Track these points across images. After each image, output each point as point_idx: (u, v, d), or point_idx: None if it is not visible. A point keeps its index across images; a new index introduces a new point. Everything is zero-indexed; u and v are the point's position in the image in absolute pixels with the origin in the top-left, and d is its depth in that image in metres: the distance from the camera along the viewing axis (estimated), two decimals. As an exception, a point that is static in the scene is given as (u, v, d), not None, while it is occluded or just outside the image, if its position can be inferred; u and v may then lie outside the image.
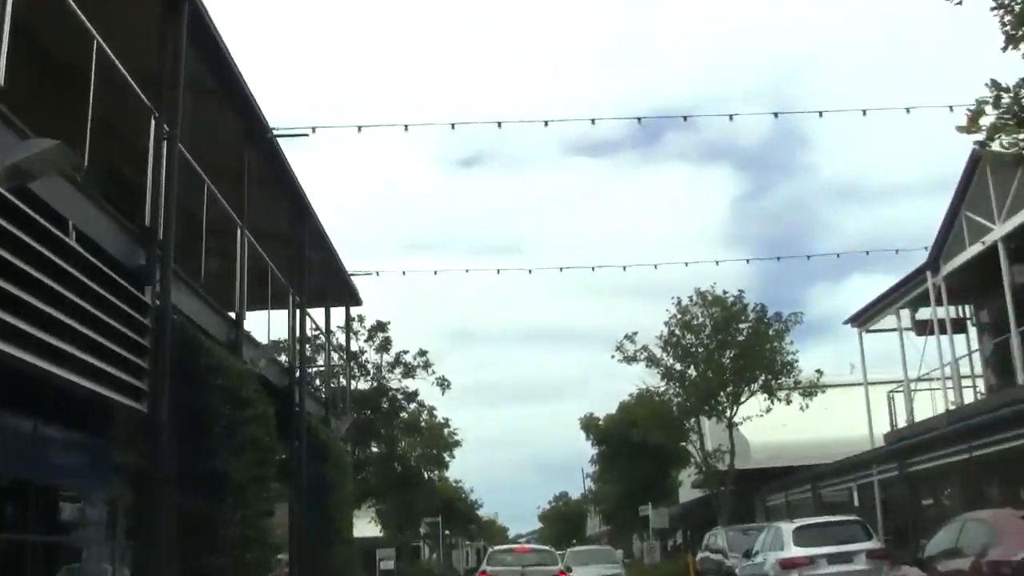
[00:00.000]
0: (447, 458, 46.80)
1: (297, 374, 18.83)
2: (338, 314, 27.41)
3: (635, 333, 40.37)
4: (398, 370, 32.03)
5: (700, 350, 38.94)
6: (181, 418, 10.99)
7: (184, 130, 12.40)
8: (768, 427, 39.90)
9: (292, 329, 19.04)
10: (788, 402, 39.35)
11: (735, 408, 39.30)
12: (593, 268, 28.58)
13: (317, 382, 25.88)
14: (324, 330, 23.11)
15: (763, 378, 38.56)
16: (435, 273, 27.47)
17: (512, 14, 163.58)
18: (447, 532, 72.62)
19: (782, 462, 41.05)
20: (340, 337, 29.15)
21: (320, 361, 25.76)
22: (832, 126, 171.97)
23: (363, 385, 31.69)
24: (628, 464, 53.51)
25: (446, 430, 46.19)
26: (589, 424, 56.21)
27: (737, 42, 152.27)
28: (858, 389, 44.54)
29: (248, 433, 12.43)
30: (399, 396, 32.35)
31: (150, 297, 11.12)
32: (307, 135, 16.97)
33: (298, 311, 19.29)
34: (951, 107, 16.61)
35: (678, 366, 39.67)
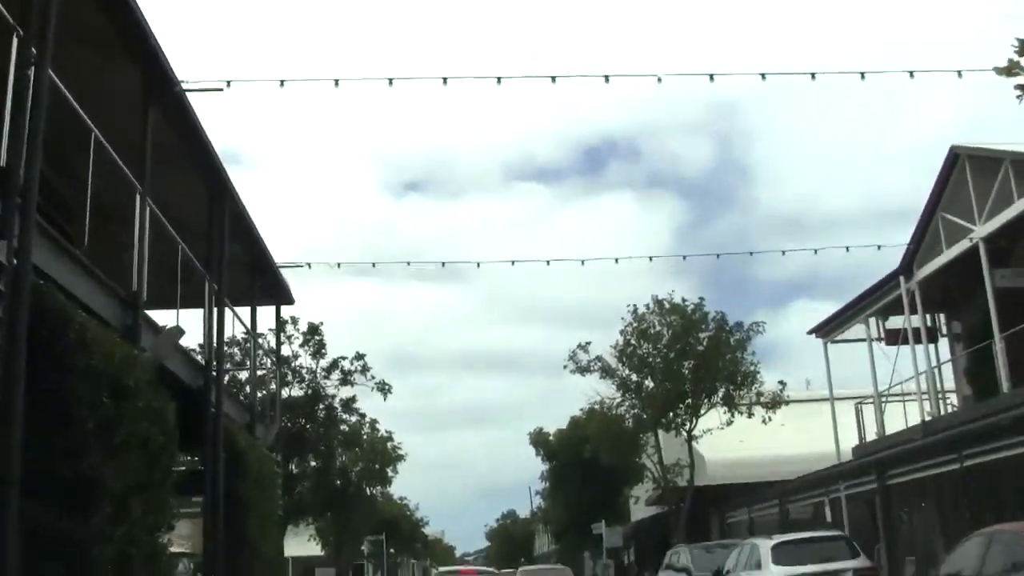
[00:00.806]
0: (390, 473, 44.44)
1: (213, 372, 16.51)
2: (267, 316, 25.15)
3: (588, 343, 38.40)
4: (334, 376, 29.69)
5: (657, 360, 36.94)
6: (38, 408, 8.69)
7: (68, 73, 10.27)
8: (724, 444, 38.01)
9: (208, 321, 16.67)
10: (750, 415, 37.44)
11: (694, 421, 37.33)
12: (548, 262, 26.09)
13: (247, 389, 23.57)
14: (250, 330, 20.75)
15: (724, 389, 36.62)
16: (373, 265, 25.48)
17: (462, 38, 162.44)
18: (392, 550, 70.05)
19: (740, 479, 39.07)
20: (272, 341, 26.88)
21: (248, 366, 23.47)
22: (772, 159, 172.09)
23: (297, 392, 29.28)
24: (578, 481, 51.60)
25: (389, 443, 43.91)
26: (539, 440, 54.20)
27: (676, 77, 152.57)
28: (817, 406, 43.15)
29: (133, 431, 10.13)
30: (336, 404, 29.93)
31: (4, 254, 8.85)
32: (221, 89, 14.52)
33: (215, 303, 16.94)
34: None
35: (634, 377, 37.64)
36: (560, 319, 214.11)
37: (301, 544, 57.30)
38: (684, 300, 36.95)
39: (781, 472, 35.30)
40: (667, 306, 36.90)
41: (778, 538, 20.84)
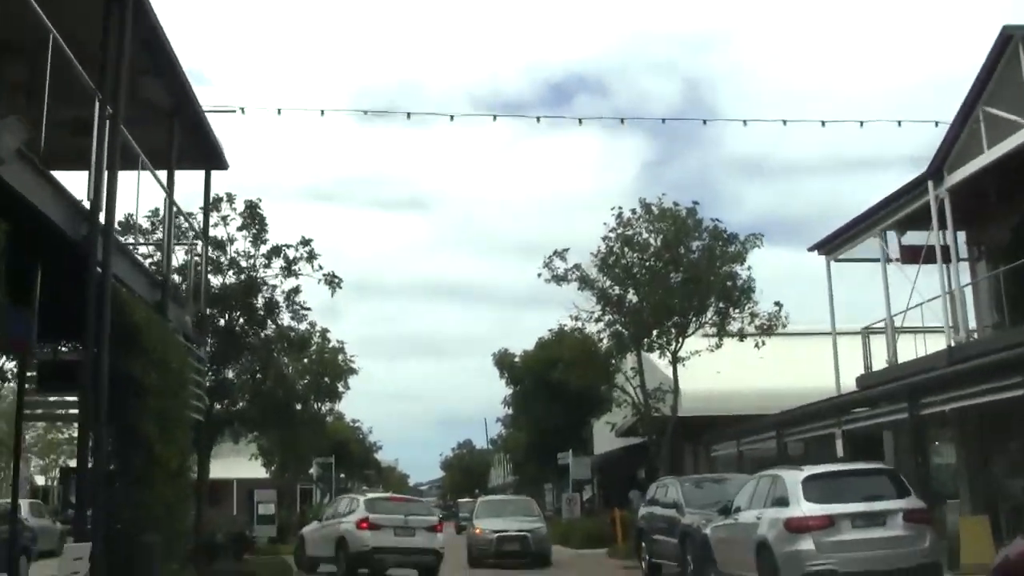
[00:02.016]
0: (341, 389, 40.41)
1: (101, 220, 12.44)
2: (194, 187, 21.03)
3: (566, 250, 34.37)
4: (276, 265, 25.51)
5: (643, 272, 33.06)
6: None
7: None
8: (702, 374, 34.32)
9: (98, 150, 12.48)
10: (741, 338, 33.73)
11: (680, 342, 33.57)
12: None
13: (176, 279, 19.51)
14: (165, 188, 16.56)
15: (717, 306, 32.85)
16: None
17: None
18: (342, 475, 66.14)
19: (722, 411, 35.59)
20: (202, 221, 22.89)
21: (179, 252, 19.42)
22: (738, 101, 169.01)
23: (232, 281, 25.10)
24: (544, 407, 47.90)
25: (340, 356, 39.87)
26: (503, 361, 50.28)
27: (642, 16, 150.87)
28: (801, 341, 39.78)
29: None
30: (277, 297, 25.71)
31: None
32: None
33: (108, 127, 12.78)
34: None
35: (616, 289, 33.74)
36: (523, 251, 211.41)
37: (243, 464, 53.44)
38: (676, 204, 33.02)
39: (766, 407, 31.86)
40: (656, 211, 32.95)
41: (810, 469, 17.01)
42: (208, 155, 19.72)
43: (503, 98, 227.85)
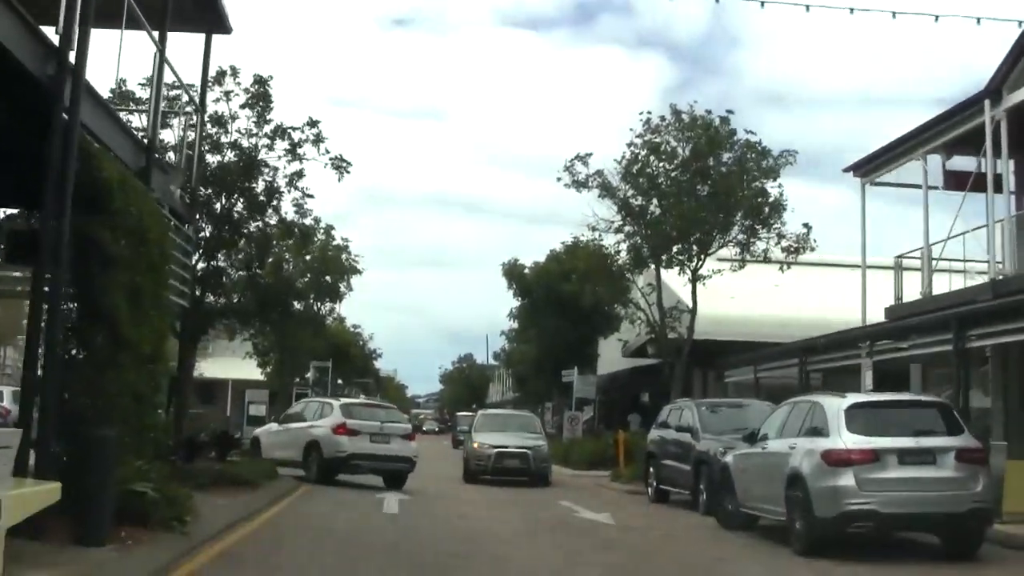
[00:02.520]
0: (343, 289, 38.75)
1: (71, 58, 10.69)
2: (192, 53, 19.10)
3: (589, 154, 32.54)
4: (280, 146, 23.64)
5: (668, 182, 31.24)
6: None
7: None
8: (714, 298, 32.79)
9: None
10: (766, 259, 32.03)
11: (702, 259, 31.85)
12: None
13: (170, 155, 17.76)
14: (157, 43, 14.71)
15: (743, 223, 31.09)
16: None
17: None
18: (339, 381, 64.72)
19: (738, 336, 34.07)
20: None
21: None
22: (767, 28, 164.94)
23: (231, 159, 23.22)
24: (552, 322, 46.38)
25: (344, 255, 38.16)
26: (512, 272, 48.61)
27: None
28: (821, 271, 38.34)
29: None
30: (279, 181, 23.85)
31: None
32: None
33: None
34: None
35: (638, 199, 31.96)
36: (538, 168, 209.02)
37: (239, 364, 52.06)
38: (708, 112, 31.07)
39: (783, 336, 30.44)
40: (686, 119, 31.03)
41: (854, 397, 15.37)
42: (208, 14, 17.84)
43: (526, 11, 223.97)
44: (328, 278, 37.49)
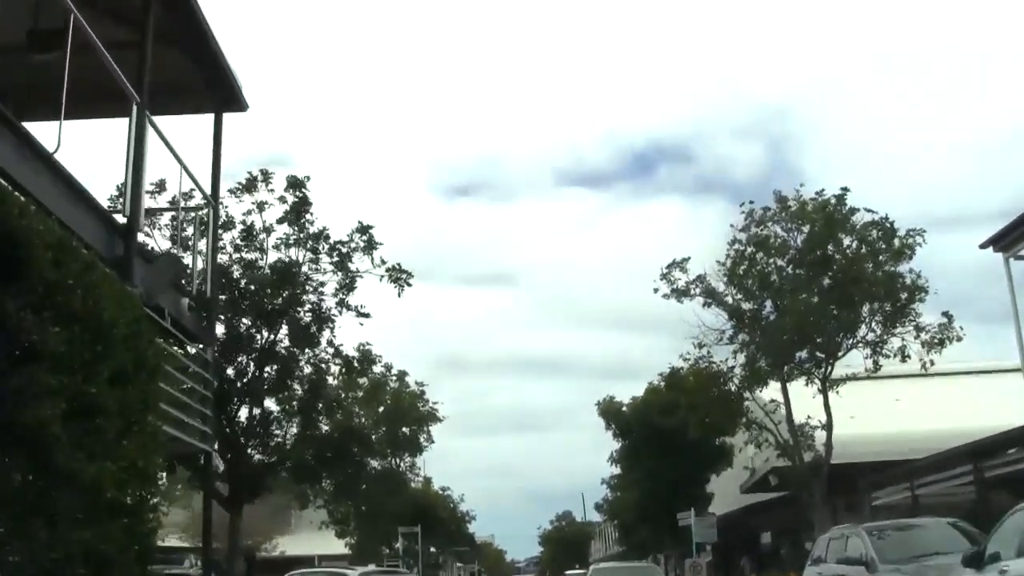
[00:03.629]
0: (423, 442, 34.67)
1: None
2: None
3: (687, 259, 28.52)
4: (324, 257, 19.80)
5: (781, 279, 27.03)
6: None
7: None
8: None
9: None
10: (905, 357, 27.42)
11: (830, 365, 27.39)
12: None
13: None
14: (134, 97, 11.01)
15: (882, 309, 26.54)
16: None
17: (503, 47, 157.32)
18: (432, 549, 59.64)
19: (868, 456, 29.69)
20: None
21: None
22: (824, 162, 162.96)
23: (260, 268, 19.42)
24: (656, 462, 41.74)
25: (420, 403, 34.19)
26: (609, 410, 44.09)
27: (724, 81, 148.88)
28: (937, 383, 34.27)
29: None
30: (322, 296, 19.94)
31: None
32: None
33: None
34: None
35: (749, 304, 27.75)
36: (611, 323, 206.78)
37: (324, 539, 47.70)
38: (819, 193, 26.95)
39: (927, 451, 25.93)
40: (794, 205, 26.97)
41: None
42: (222, 93, 14.35)
43: (585, 169, 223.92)
44: (405, 429, 33.41)
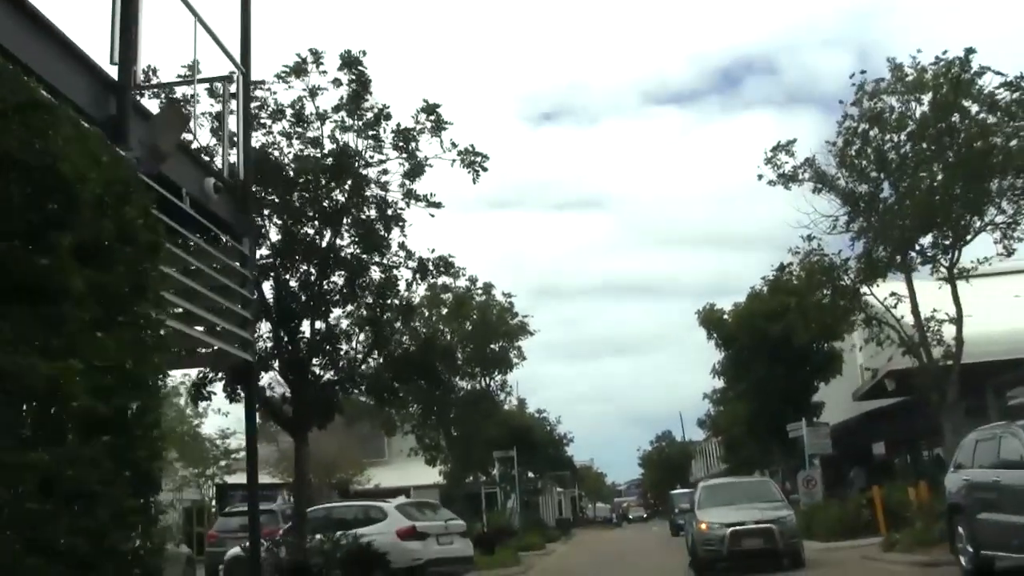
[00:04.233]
0: (514, 358, 32.48)
1: None
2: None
3: (793, 140, 25.82)
4: (387, 142, 17.53)
5: (900, 157, 24.23)
6: None
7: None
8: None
9: None
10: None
11: (957, 251, 24.63)
12: None
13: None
14: None
15: (1013, 186, 23.62)
16: None
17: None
18: (530, 474, 57.60)
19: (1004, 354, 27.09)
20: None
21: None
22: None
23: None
24: (763, 372, 39.24)
25: (508, 315, 31.94)
26: (710, 319, 41.53)
27: None
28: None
29: None
30: (383, 183, 17.64)
31: None
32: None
33: None
34: None
35: (864, 186, 25.03)
36: (704, 241, 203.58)
37: (420, 470, 45.96)
38: (940, 56, 23.90)
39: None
40: (912, 73, 24.04)
41: None
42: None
43: (670, 88, 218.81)
44: (494, 346, 31.27)
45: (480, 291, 29.38)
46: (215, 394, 17.54)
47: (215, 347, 10.73)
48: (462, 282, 26.17)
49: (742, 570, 22.60)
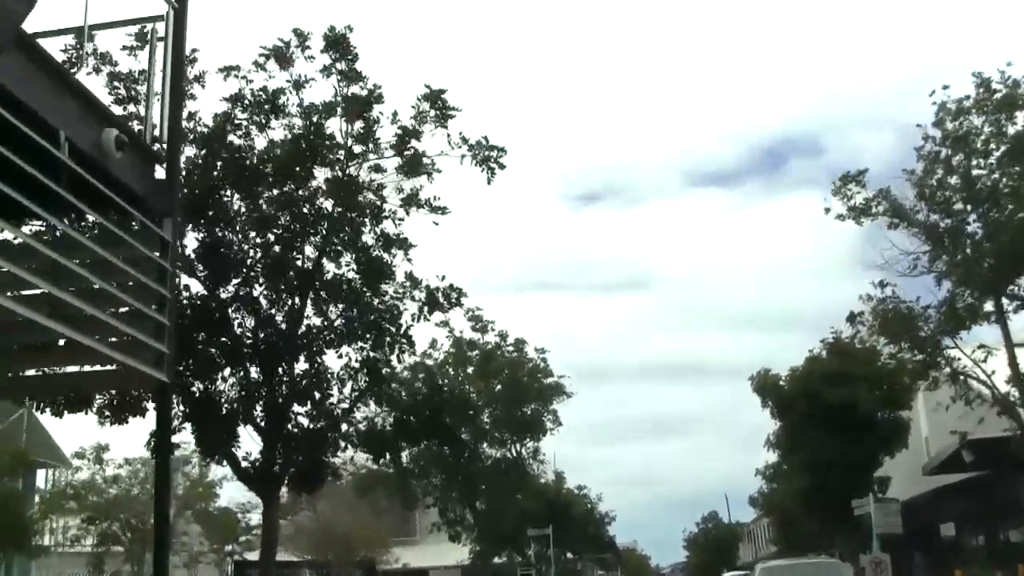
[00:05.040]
0: (548, 422, 29.19)
1: None
2: None
3: (864, 171, 22.79)
4: (388, 133, 14.55)
5: (991, 182, 21.06)
6: None
7: None
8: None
9: None
10: None
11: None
12: None
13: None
14: None
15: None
16: None
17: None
18: (568, 554, 53.64)
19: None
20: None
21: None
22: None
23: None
24: (821, 442, 35.68)
25: (541, 373, 28.72)
26: (765, 384, 37.91)
27: (852, 70, 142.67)
28: None
29: None
30: (378, 190, 14.62)
31: None
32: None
33: None
34: None
35: (946, 220, 21.85)
36: (749, 322, 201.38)
37: (453, 550, 42.54)
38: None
39: None
40: (1000, 89, 20.96)
41: None
42: None
43: (713, 168, 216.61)
44: (525, 409, 28.06)
45: (511, 348, 26.29)
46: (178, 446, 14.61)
47: (116, 364, 7.74)
48: (491, 337, 23.58)
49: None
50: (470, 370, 25.98)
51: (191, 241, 15.42)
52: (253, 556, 45.96)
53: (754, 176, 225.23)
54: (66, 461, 41.33)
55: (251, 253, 15.24)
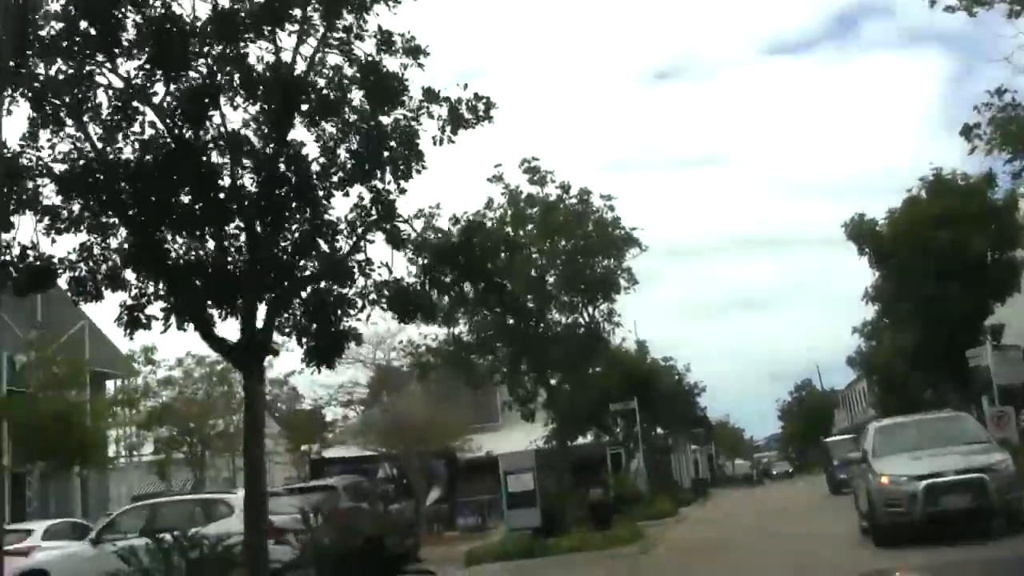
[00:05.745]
0: (623, 280, 26.15)
1: None
2: None
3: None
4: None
5: None
6: None
7: None
8: None
9: None
10: None
11: None
12: None
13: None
14: None
15: None
16: None
17: None
18: (658, 430, 50.55)
19: None
20: None
21: None
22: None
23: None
24: (929, 291, 32.33)
25: (610, 223, 25.56)
26: (860, 230, 34.32)
27: None
28: None
29: None
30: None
31: None
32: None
33: None
34: None
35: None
36: (829, 192, 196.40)
37: (528, 432, 39.91)
38: None
39: None
40: None
41: None
42: None
43: (784, 37, 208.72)
44: (592, 263, 25.10)
45: (574, 200, 23.32)
46: (156, 319, 11.87)
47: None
48: (551, 188, 20.63)
49: (940, 537, 16.13)
50: (531, 228, 22.92)
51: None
52: (330, 453, 44.71)
53: (825, 42, 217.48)
54: (132, 370, 40.37)
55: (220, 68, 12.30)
